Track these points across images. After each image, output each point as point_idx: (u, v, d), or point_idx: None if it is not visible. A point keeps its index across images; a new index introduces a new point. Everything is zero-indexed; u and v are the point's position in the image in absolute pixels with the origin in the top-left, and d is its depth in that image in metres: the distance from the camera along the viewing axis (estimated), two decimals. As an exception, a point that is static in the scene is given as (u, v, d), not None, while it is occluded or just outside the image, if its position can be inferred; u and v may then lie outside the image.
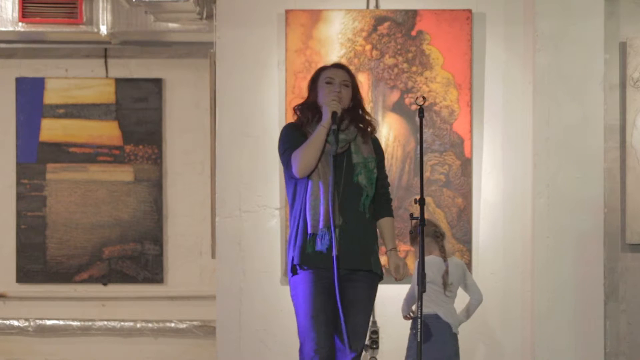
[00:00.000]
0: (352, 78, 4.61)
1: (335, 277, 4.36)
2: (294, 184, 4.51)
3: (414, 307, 5.36)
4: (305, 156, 4.43)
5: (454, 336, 5.29)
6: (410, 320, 5.38)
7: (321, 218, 4.41)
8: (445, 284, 5.26)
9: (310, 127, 4.52)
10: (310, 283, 4.42)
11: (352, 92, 4.58)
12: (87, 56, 7.48)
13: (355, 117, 4.58)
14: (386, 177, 4.67)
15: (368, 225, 4.54)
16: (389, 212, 4.64)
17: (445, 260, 5.30)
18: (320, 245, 4.40)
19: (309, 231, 4.42)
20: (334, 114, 4.43)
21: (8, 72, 7.47)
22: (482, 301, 5.38)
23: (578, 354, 5.82)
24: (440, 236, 5.33)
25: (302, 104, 4.62)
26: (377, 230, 4.63)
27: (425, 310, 5.08)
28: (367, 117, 4.61)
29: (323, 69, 4.63)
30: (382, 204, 4.61)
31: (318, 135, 4.44)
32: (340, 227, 4.41)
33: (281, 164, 4.54)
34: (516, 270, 6.01)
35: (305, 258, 4.42)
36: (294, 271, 4.46)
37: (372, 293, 4.61)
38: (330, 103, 4.47)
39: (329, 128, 4.43)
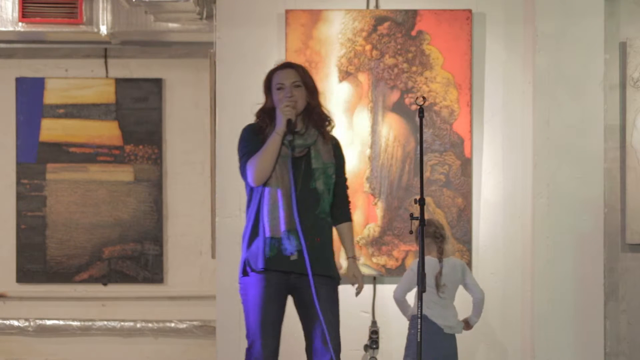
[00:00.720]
0: (304, 76, 4.57)
1: (310, 279, 4.39)
2: (250, 188, 4.53)
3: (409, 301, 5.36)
4: (260, 165, 4.42)
5: (448, 337, 5.27)
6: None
7: (282, 222, 4.42)
8: (437, 285, 5.25)
9: (268, 132, 4.51)
10: (261, 285, 4.45)
11: (306, 90, 4.55)
12: (87, 56, 7.48)
13: (312, 118, 4.56)
14: (345, 180, 4.68)
15: (327, 230, 4.55)
16: (347, 217, 4.65)
17: (440, 261, 5.29)
18: (281, 250, 4.41)
19: (267, 235, 4.42)
20: (288, 121, 4.43)
21: (8, 72, 7.47)
22: (484, 296, 5.37)
23: (578, 354, 5.82)
24: (440, 237, 5.33)
25: (260, 109, 4.61)
26: (339, 235, 4.64)
27: (415, 311, 5.10)
28: (323, 115, 4.59)
29: (273, 72, 4.60)
30: (340, 208, 4.62)
31: (272, 143, 4.43)
32: (297, 232, 4.42)
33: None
34: (516, 270, 6.01)
35: (264, 262, 4.43)
36: (244, 272, 4.49)
37: (334, 295, 4.57)
38: (283, 110, 4.46)
39: (283, 135, 4.43)
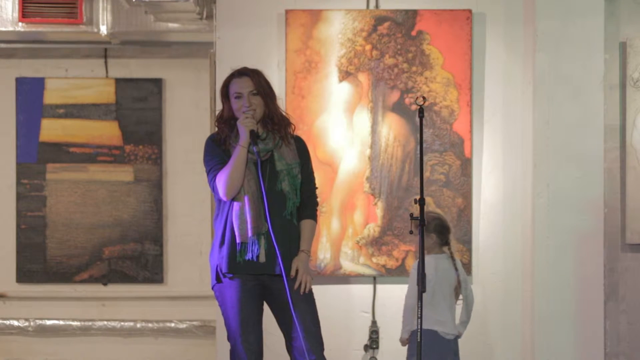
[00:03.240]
0: (261, 82, 4.56)
1: (285, 283, 4.41)
2: (218, 199, 4.54)
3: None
4: (230, 180, 4.42)
5: (448, 343, 5.23)
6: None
7: (249, 227, 4.43)
8: (456, 292, 5.25)
9: (231, 141, 4.51)
10: (237, 289, 4.47)
11: (264, 98, 4.54)
12: (87, 56, 7.48)
13: (273, 121, 4.56)
14: (313, 179, 4.66)
15: (294, 231, 4.55)
16: (311, 215, 4.62)
17: (453, 259, 5.26)
18: (250, 254, 4.44)
19: (238, 240, 4.45)
20: (251, 132, 4.44)
21: (8, 72, 7.47)
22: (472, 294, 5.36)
23: (578, 354, 5.81)
24: (444, 229, 5.28)
25: (219, 118, 4.60)
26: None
27: (414, 327, 5.12)
28: (283, 118, 4.59)
29: (229, 80, 4.57)
30: (306, 206, 4.61)
31: (239, 157, 4.43)
32: (265, 235, 4.44)
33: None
34: (516, 270, 6.01)
35: (235, 267, 4.45)
36: (218, 279, 4.51)
37: (310, 296, 4.57)
38: (244, 122, 4.46)
39: (247, 147, 4.44)
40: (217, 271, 4.51)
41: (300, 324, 4.44)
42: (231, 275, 4.47)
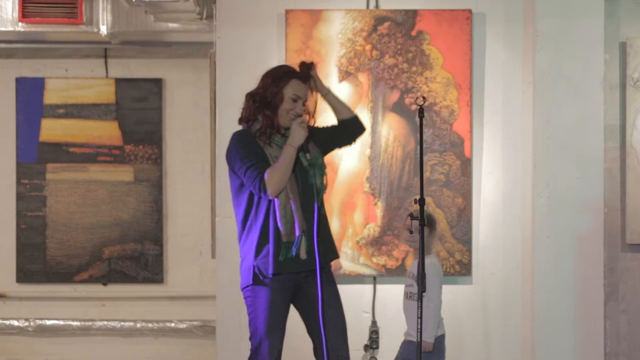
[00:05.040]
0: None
1: (318, 280, 4.46)
2: (252, 196, 4.52)
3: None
4: (282, 179, 4.44)
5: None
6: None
7: (296, 226, 4.46)
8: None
9: (265, 137, 4.53)
10: (272, 290, 4.50)
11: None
12: (87, 56, 7.48)
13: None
14: (331, 126, 4.76)
15: (326, 223, 4.61)
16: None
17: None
18: (295, 251, 4.47)
19: (283, 240, 4.47)
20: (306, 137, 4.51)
21: (8, 72, 7.47)
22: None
23: (578, 354, 5.81)
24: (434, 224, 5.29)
25: (259, 97, 4.57)
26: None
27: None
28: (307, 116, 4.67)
29: (291, 76, 4.59)
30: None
31: (291, 157, 4.47)
32: (306, 232, 4.48)
33: (237, 174, 4.52)
34: (516, 270, 6.01)
35: (279, 266, 4.47)
36: (255, 280, 4.51)
37: (336, 288, 4.66)
38: (303, 125, 4.51)
39: (297, 148, 4.49)
40: (254, 272, 4.50)
41: (333, 323, 4.53)
42: (273, 274, 4.46)
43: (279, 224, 4.45)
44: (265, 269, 4.47)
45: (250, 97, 4.61)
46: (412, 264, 5.34)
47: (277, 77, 4.58)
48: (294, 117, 4.55)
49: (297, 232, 4.45)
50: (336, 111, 4.78)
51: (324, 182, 4.59)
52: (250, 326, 4.55)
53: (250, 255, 4.51)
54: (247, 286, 4.54)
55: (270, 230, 4.48)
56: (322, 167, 4.60)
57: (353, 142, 4.82)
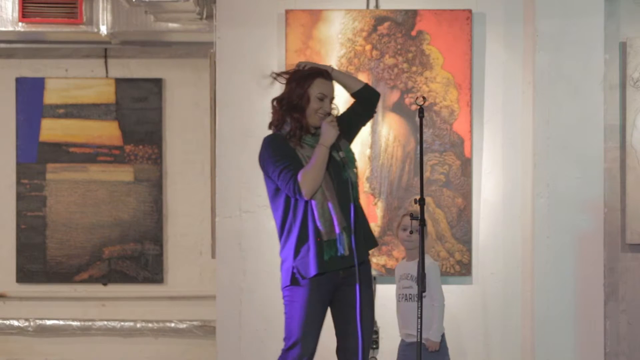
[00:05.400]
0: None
1: (357, 279, 4.48)
2: (289, 199, 4.51)
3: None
4: (316, 180, 4.44)
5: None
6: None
7: (336, 224, 4.46)
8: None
9: (296, 139, 4.53)
10: (310, 293, 4.49)
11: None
12: (87, 56, 7.48)
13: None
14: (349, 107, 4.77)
15: (362, 213, 4.61)
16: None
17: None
18: (339, 250, 4.47)
19: (323, 238, 4.46)
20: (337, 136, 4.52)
21: (8, 72, 7.47)
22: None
23: (578, 354, 5.82)
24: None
25: (289, 111, 4.57)
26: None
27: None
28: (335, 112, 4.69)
29: (315, 76, 4.59)
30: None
31: (324, 157, 4.47)
32: (346, 228, 4.49)
33: (272, 178, 4.52)
34: (516, 270, 6.01)
35: (322, 265, 4.46)
36: (294, 281, 4.50)
37: (372, 291, 4.71)
38: (333, 124, 4.52)
39: (330, 147, 4.50)
40: (292, 273, 4.49)
41: (366, 324, 4.55)
42: (315, 274, 4.46)
43: (318, 223, 4.45)
44: (305, 269, 4.47)
45: (277, 101, 4.62)
46: (406, 265, 5.30)
47: (301, 78, 4.58)
48: (323, 116, 4.55)
49: (337, 230, 4.45)
50: (346, 86, 4.78)
51: (357, 174, 4.62)
52: (285, 327, 4.54)
53: (290, 256, 4.50)
54: (286, 287, 4.54)
55: (309, 230, 4.47)
56: (353, 161, 4.61)
57: (374, 113, 4.81)
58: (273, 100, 4.64)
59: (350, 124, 4.71)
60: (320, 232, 4.45)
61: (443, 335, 5.25)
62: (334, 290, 4.55)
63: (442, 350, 5.22)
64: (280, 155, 4.50)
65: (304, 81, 4.56)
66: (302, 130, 4.54)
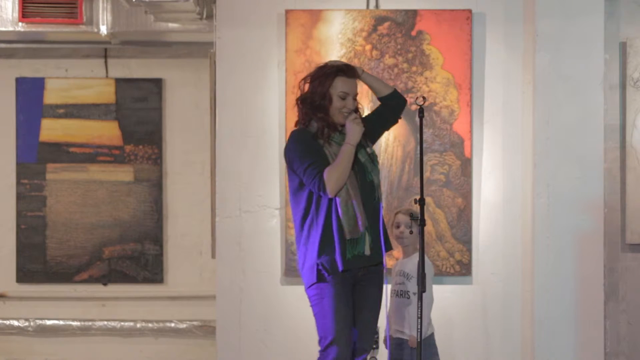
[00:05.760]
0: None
1: (385, 268, 4.57)
2: (312, 195, 4.52)
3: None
4: (341, 178, 4.46)
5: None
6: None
7: (360, 223, 4.48)
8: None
9: (324, 137, 4.54)
10: (339, 287, 4.50)
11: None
12: (87, 56, 7.48)
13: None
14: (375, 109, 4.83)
15: (379, 216, 4.63)
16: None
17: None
18: (362, 248, 4.50)
19: (347, 237, 4.48)
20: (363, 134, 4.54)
21: (8, 72, 7.47)
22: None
23: (578, 354, 5.82)
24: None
25: (308, 101, 4.58)
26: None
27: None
28: (360, 113, 4.70)
29: (336, 74, 4.57)
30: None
31: (350, 156, 4.49)
32: (369, 228, 4.53)
33: (296, 173, 4.53)
34: (516, 270, 6.01)
35: (346, 263, 4.49)
36: (320, 278, 4.50)
37: (382, 290, 4.74)
38: (357, 122, 4.54)
39: (356, 146, 4.52)
40: (317, 270, 4.50)
41: (373, 322, 4.67)
42: (340, 271, 4.47)
43: (343, 221, 4.46)
44: (331, 266, 4.48)
45: (300, 101, 4.63)
46: (401, 262, 5.33)
47: (322, 78, 4.58)
48: (347, 114, 4.56)
49: (361, 229, 4.47)
50: (376, 90, 4.80)
51: (377, 173, 4.65)
52: (318, 328, 4.54)
53: (313, 254, 4.50)
54: (312, 285, 4.53)
55: (333, 228, 4.48)
56: (376, 162, 4.65)
57: (399, 118, 4.85)
58: (297, 99, 4.65)
59: (375, 126, 4.72)
60: (343, 230, 4.46)
61: (432, 335, 5.28)
62: (354, 284, 4.58)
63: (432, 349, 5.24)
64: (307, 151, 4.51)
65: (324, 80, 4.56)
66: (329, 128, 4.55)
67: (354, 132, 4.51)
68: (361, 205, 4.49)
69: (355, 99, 4.62)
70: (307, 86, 4.64)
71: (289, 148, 4.58)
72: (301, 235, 4.57)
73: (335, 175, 4.44)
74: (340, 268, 4.47)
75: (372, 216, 4.56)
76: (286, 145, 4.62)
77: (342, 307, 4.50)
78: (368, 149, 4.60)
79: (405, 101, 4.86)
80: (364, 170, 4.57)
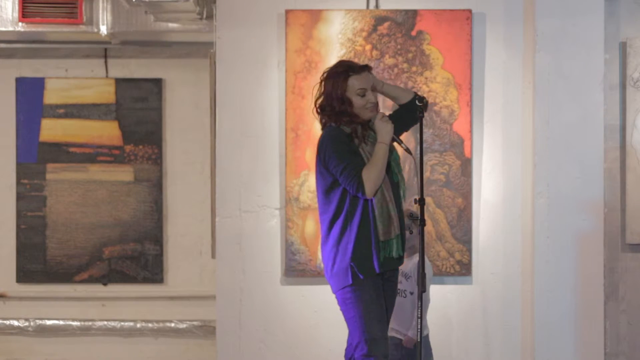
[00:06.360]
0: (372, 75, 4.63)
1: (418, 272, 4.48)
2: (344, 196, 4.46)
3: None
4: (378, 178, 4.42)
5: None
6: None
7: (395, 224, 4.45)
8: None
9: (359, 138, 4.50)
10: (372, 290, 4.45)
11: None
12: (87, 56, 7.48)
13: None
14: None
15: (403, 218, 4.62)
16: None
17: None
18: (395, 251, 4.46)
19: (381, 239, 4.44)
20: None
21: (8, 72, 7.47)
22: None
23: (578, 354, 5.82)
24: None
25: (336, 116, 4.52)
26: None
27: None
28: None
29: (346, 76, 4.53)
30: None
31: (384, 155, 4.45)
32: (401, 230, 4.51)
33: (331, 172, 4.48)
34: (516, 270, 6.01)
35: (380, 265, 4.45)
36: (355, 280, 4.42)
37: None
38: (384, 119, 4.50)
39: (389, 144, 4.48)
40: (352, 271, 4.43)
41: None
42: (374, 273, 4.43)
43: (378, 223, 4.43)
44: (365, 267, 4.42)
45: (321, 109, 4.59)
46: None
47: (335, 82, 4.53)
48: (372, 108, 4.53)
49: (397, 231, 4.45)
50: (396, 99, 4.77)
51: (404, 177, 4.65)
52: (356, 331, 4.44)
53: (347, 255, 4.44)
54: (346, 287, 4.45)
55: (369, 229, 4.44)
56: (398, 162, 4.62)
57: (422, 117, 4.77)
58: (315, 107, 4.60)
59: (395, 128, 4.66)
60: (378, 232, 4.43)
61: (427, 336, 5.29)
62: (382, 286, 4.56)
63: (427, 350, 5.24)
64: (344, 151, 4.45)
65: (338, 85, 4.52)
66: (363, 128, 4.52)
67: (384, 130, 4.47)
68: (395, 208, 4.46)
69: (374, 92, 4.58)
70: (322, 90, 4.58)
71: (324, 147, 4.49)
72: (329, 236, 4.50)
73: (373, 176, 4.40)
74: (377, 270, 4.42)
75: (401, 218, 4.54)
76: (321, 142, 4.53)
77: (380, 307, 4.44)
78: (404, 145, 4.54)
79: (427, 103, 4.75)
80: (392, 172, 4.54)
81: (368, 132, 4.52)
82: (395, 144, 4.57)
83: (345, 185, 4.43)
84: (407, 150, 4.54)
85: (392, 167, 4.54)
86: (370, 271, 4.42)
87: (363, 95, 4.53)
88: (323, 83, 4.58)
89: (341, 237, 4.46)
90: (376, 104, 4.57)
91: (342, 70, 4.56)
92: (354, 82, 4.53)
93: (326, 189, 4.50)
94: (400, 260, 4.55)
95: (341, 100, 4.51)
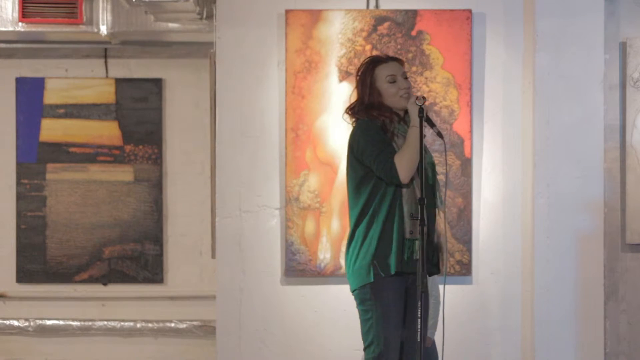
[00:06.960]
0: (404, 65, 4.57)
1: (445, 274, 4.50)
2: (375, 189, 4.40)
3: None
4: (412, 161, 4.32)
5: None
6: None
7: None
8: None
9: (389, 131, 4.43)
10: (393, 292, 4.34)
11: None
12: (87, 56, 7.48)
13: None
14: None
15: (434, 222, 4.52)
16: None
17: None
18: (417, 252, 4.31)
19: (406, 237, 4.35)
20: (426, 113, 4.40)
21: (8, 72, 7.47)
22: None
23: (578, 354, 5.82)
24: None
25: (366, 105, 4.47)
26: None
27: None
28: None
29: (373, 66, 4.49)
30: None
31: (416, 138, 4.34)
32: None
33: (364, 163, 4.43)
34: (516, 270, 6.01)
35: (401, 265, 4.34)
36: (377, 279, 4.34)
37: None
38: (416, 102, 4.38)
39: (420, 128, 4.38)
40: (374, 269, 4.33)
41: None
42: (394, 272, 4.31)
43: (405, 220, 4.35)
44: (387, 266, 4.32)
45: (351, 110, 4.54)
46: None
47: (363, 73, 4.50)
48: (405, 94, 4.46)
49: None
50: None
51: (437, 179, 4.55)
52: (371, 333, 4.36)
53: (369, 252, 4.35)
54: (365, 285, 4.35)
55: (394, 225, 4.35)
56: (433, 164, 4.55)
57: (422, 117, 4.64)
58: (346, 110, 4.56)
59: None
60: (404, 229, 4.35)
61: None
62: (405, 293, 4.41)
63: (433, 351, 5.23)
64: (377, 140, 4.38)
65: (366, 76, 4.49)
66: (391, 120, 4.45)
67: (415, 113, 4.39)
68: (424, 207, 4.31)
69: (406, 78, 4.51)
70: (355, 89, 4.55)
71: (356, 139, 4.43)
72: (356, 233, 4.41)
73: (405, 158, 4.31)
74: (395, 268, 4.31)
75: (430, 221, 4.42)
76: (352, 134, 4.47)
77: (399, 310, 4.34)
78: (436, 127, 4.46)
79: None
80: (426, 174, 4.42)
81: (398, 125, 4.46)
82: (426, 128, 4.44)
83: (379, 174, 4.35)
84: (439, 134, 4.47)
85: (427, 171, 4.44)
86: (388, 270, 4.33)
87: (393, 82, 4.47)
88: (357, 78, 4.56)
89: (366, 233, 4.38)
90: (409, 89, 4.48)
91: (369, 61, 4.54)
92: (382, 70, 4.49)
93: (357, 183, 4.43)
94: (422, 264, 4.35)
95: (370, 92, 4.47)
